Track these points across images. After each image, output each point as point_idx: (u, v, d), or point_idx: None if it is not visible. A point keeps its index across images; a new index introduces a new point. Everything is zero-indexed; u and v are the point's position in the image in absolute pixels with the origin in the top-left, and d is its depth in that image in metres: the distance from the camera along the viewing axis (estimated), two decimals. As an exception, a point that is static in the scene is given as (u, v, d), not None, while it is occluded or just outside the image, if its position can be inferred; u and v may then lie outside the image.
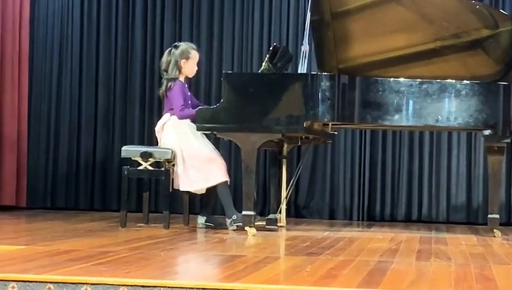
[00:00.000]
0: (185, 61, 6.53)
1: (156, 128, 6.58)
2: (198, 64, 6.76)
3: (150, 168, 6.42)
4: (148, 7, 8.38)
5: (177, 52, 6.53)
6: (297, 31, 8.07)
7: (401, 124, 6.24)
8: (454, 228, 7.30)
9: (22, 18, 8.28)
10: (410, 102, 6.14)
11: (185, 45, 6.65)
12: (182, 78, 6.56)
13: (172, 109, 6.49)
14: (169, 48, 6.63)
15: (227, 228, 6.34)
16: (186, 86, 6.65)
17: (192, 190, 6.49)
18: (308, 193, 8.05)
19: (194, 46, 6.67)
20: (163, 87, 6.52)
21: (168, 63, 6.53)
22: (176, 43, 6.70)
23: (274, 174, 6.94)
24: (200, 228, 6.50)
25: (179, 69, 6.53)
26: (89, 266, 3.94)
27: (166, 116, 6.51)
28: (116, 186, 8.12)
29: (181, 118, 6.41)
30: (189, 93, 6.65)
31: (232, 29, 8.25)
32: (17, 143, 8.21)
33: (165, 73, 6.56)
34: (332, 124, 6.52)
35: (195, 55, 6.60)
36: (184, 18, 8.31)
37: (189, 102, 6.56)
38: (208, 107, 6.44)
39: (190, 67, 6.59)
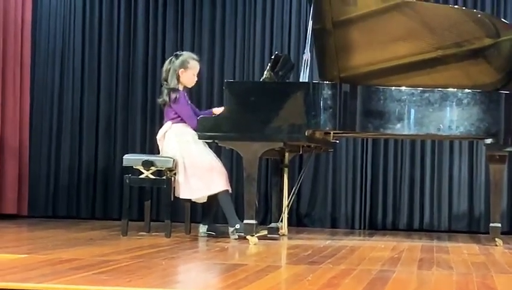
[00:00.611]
0: (183, 70, 6.52)
1: (158, 137, 6.58)
2: (199, 74, 6.75)
3: (152, 176, 6.42)
4: (150, 16, 8.39)
5: (176, 61, 6.53)
6: (299, 40, 8.08)
7: (403, 133, 6.24)
8: (456, 236, 7.29)
9: (23, 26, 8.30)
10: (412, 111, 6.15)
11: (186, 54, 6.64)
12: (181, 88, 6.55)
13: (174, 118, 6.48)
14: (171, 57, 6.64)
15: (228, 237, 6.34)
16: (186, 94, 6.63)
17: (193, 198, 6.49)
18: (309, 201, 8.05)
19: (194, 57, 6.66)
20: (165, 97, 6.51)
21: (168, 71, 6.53)
22: (178, 52, 6.69)
23: (276, 182, 6.94)
24: (201, 236, 6.50)
25: (177, 79, 6.52)
26: (90, 274, 3.94)
27: (167, 125, 6.52)
28: (117, 195, 8.12)
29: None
30: (189, 102, 6.64)
31: (234, 38, 8.26)
32: (19, 151, 8.22)
33: (165, 82, 6.56)
34: (334, 133, 6.53)
35: (194, 66, 6.59)
36: (186, 26, 8.33)
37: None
38: (209, 115, 6.44)
39: (188, 78, 6.57)
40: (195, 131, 6.26)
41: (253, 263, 4.70)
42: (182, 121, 6.49)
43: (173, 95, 6.47)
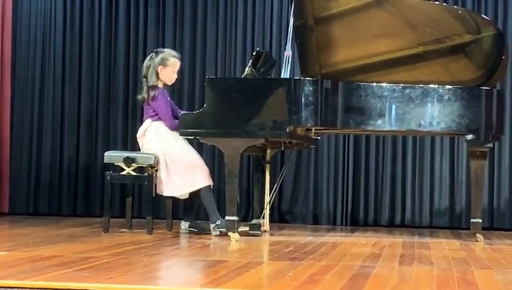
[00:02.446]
0: (162, 68, 6.49)
1: (138, 135, 6.56)
2: (180, 71, 6.72)
3: (133, 173, 6.41)
4: (131, 13, 8.37)
5: (156, 58, 6.51)
6: (280, 36, 8.08)
7: (384, 129, 6.25)
8: (437, 232, 7.31)
9: (4, 22, 8.26)
10: (393, 107, 6.16)
11: (166, 51, 6.61)
12: (161, 85, 6.53)
13: (153, 115, 6.46)
14: (151, 54, 6.62)
15: (210, 233, 6.34)
16: (166, 92, 6.61)
17: (176, 195, 6.48)
18: (291, 198, 8.05)
19: (175, 54, 6.63)
20: (144, 94, 6.49)
21: (148, 68, 6.51)
22: (158, 49, 6.67)
23: (257, 179, 6.94)
24: (183, 233, 6.49)
25: (157, 76, 6.50)
26: (71, 271, 3.93)
27: (147, 123, 6.49)
28: (99, 191, 8.09)
29: (174, 129, 6.37)
30: (168, 99, 6.61)
31: (216, 34, 8.25)
32: None
33: (144, 79, 6.53)
34: (315, 129, 6.52)
35: (174, 63, 6.56)
36: (167, 23, 8.31)
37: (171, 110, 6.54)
38: (190, 112, 6.43)
39: (168, 75, 6.55)
40: (175, 130, 6.26)
41: (234, 260, 4.70)
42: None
43: (152, 93, 6.45)
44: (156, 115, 6.47)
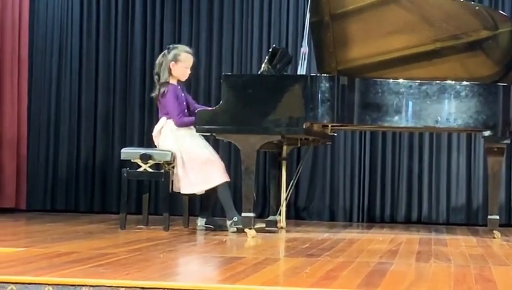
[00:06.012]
0: (174, 63, 6.48)
1: (153, 134, 6.55)
2: (194, 67, 6.71)
3: (150, 170, 6.42)
4: (147, 9, 8.38)
5: (169, 55, 6.50)
6: (296, 33, 8.07)
7: (401, 126, 6.24)
8: (454, 229, 7.29)
9: (21, 19, 8.28)
10: (410, 103, 6.14)
11: (179, 47, 6.59)
12: (173, 82, 6.52)
13: (167, 112, 6.46)
14: (164, 51, 6.61)
15: (227, 230, 6.34)
16: (180, 87, 6.59)
17: (193, 192, 6.48)
18: (308, 194, 8.05)
19: (187, 49, 6.61)
20: (156, 91, 6.49)
21: (160, 65, 6.51)
22: (170, 46, 6.65)
23: (274, 176, 6.94)
24: (199, 229, 6.50)
25: (169, 72, 6.49)
26: (88, 268, 3.94)
27: (162, 121, 6.48)
28: (115, 188, 8.12)
29: (180, 126, 6.38)
30: (183, 95, 6.58)
31: (232, 31, 8.25)
32: (17, 145, 8.21)
33: (156, 77, 6.53)
34: (331, 126, 6.53)
35: (186, 58, 6.54)
36: (183, 20, 8.31)
37: (185, 104, 6.53)
38: (207, 108, 6.44)
39: (180, 71, 6.53)
40: (183, 126, 6.28)
41: (251, 256, 4.71)
42: (177, 115, 6.48)
43: (162, 89, 6.45)
44: (169, 112, 6.48)
